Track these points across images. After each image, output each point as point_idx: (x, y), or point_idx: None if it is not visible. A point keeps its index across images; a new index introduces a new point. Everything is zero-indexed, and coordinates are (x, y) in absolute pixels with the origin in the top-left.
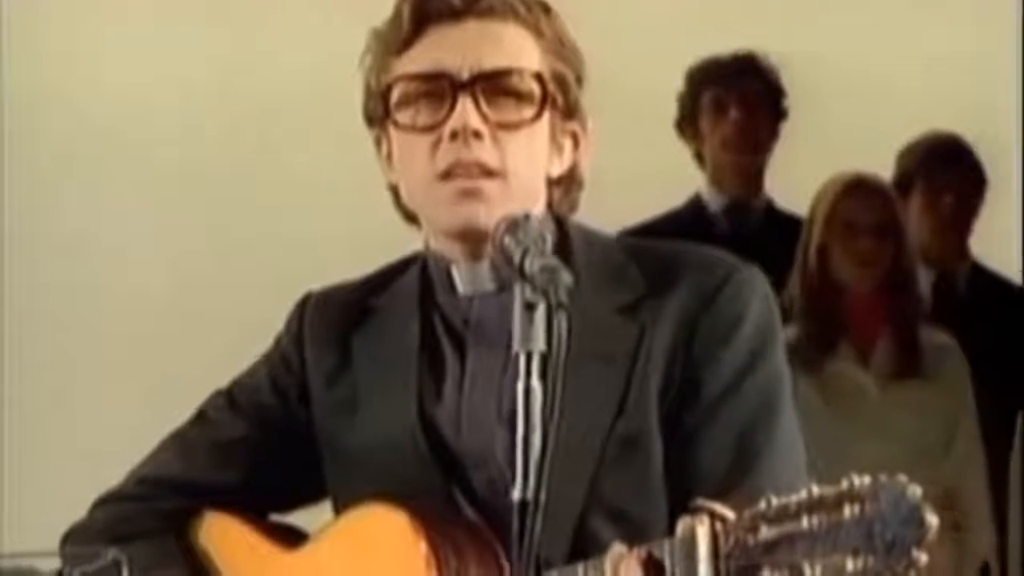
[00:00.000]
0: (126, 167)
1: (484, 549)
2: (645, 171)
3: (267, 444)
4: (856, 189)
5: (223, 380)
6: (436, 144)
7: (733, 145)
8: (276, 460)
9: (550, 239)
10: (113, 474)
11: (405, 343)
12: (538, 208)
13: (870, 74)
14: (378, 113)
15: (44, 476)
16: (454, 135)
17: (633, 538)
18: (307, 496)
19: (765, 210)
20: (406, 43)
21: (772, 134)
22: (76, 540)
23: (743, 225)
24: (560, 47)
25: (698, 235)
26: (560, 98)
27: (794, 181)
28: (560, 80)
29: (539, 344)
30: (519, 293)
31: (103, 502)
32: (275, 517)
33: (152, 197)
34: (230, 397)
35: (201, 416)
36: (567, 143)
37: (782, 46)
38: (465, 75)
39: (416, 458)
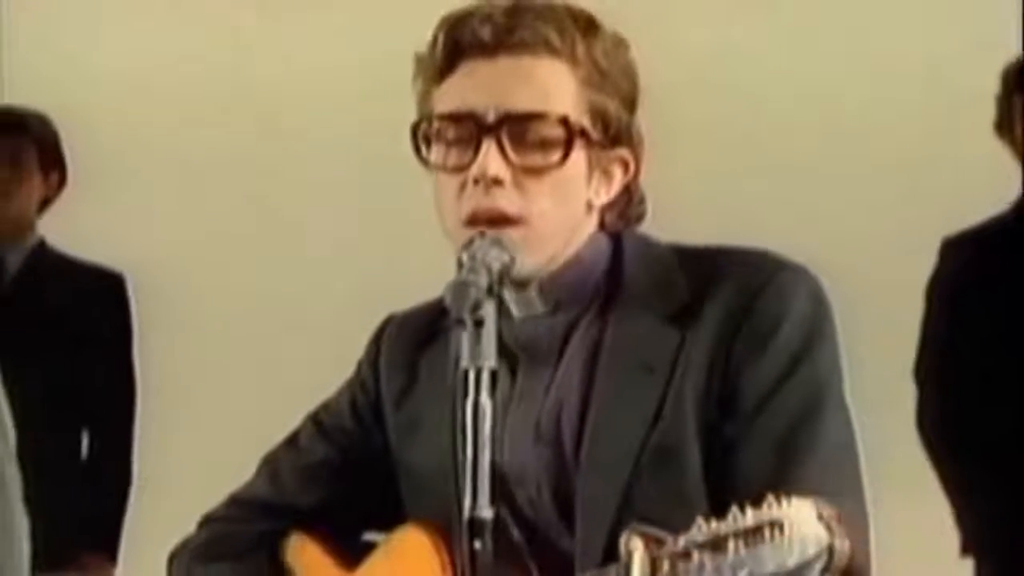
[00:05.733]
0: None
1: (513, 568)
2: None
3: (349, 467)
4: None
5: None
6: (463, 187)
7: None
8: (359, 483)
9: (499, 257)
10: None
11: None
12: (581, 235)
13: None
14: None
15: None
16: (477, 181)
17: None
18: (393, 517)
19: None
20: (441, 74)
21: None
22: (178, 559)
23: None
24: (599, 76)
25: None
26: (598, 132)
27: None
28: (598, 113)
29: (489, 360)
30: None
31: (204, 523)
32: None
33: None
34: (317, 421)
35: (292, 440)
36: (616, 170)
37: None
38: (491, 117)
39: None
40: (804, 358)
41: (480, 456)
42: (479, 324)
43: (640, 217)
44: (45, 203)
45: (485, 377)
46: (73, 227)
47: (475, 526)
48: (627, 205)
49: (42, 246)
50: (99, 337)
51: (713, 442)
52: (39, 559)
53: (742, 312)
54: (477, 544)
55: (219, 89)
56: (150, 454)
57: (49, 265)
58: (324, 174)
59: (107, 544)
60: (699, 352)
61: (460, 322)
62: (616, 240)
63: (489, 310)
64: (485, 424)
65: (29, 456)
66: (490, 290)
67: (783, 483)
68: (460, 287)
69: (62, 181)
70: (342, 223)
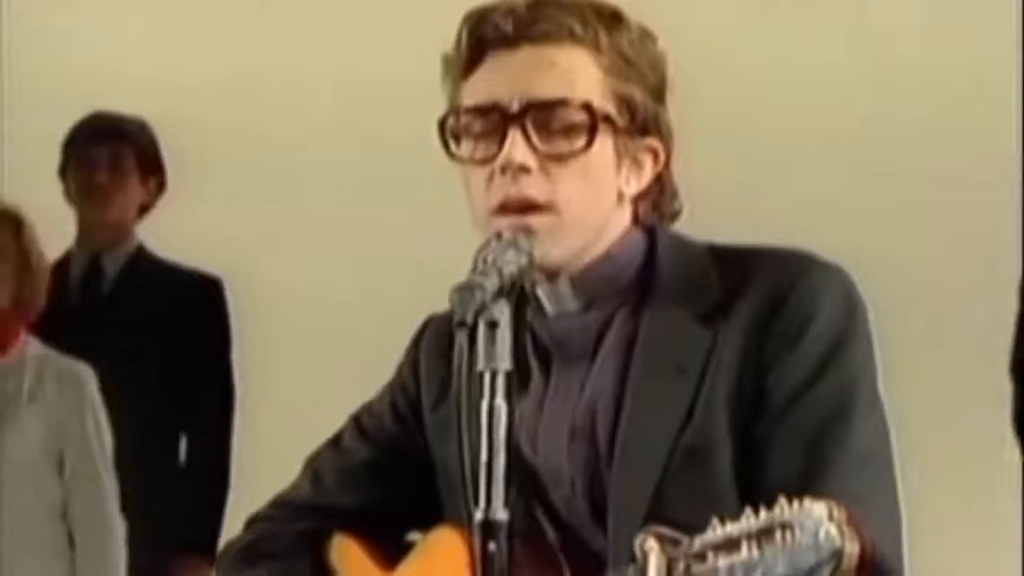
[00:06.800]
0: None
1: (545, 568)
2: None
3: (391, 468)
4: None
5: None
6: (491, 178)
7: None
8: (400, 483)
9: (515, 259)
10: None
11: None
12: (614, 229)
13: None
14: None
15: None
16: (504, 170)
17: None
18: (435, 517)
19: None
20: (468, 68)
21: None
22: (224, 559)
23: None
24: (624, 64)
25: None
26: (624, 119)
27: None
28: (623, 101)
29: (504, 363)
30: None
31: (249, 524)
32: None
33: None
34: (359, 422)
35: (335, 441)
36: (646, 159)
37: None
38: (515, 107)
39: None
40: (835, 358)
41: (495, 458)
42: (493, 326)
43: (675, 215)
44: (144, 209)
45: (500, 380)
46: (170, 231)
47: (490, 528)
48: (660, 196)
49: (140, 251)
50: (197, 341)
51: (744, 443)
52: (136, 563)
53: (772, 312)
54: (492, 546)
55: (316, 91)
56: (247, 458)
57: (147, 270)
58: (422, 176)
59: (204, 549)
60: (731, 353)
61: (462, 324)
62: (651, 237)
63: (503, 312)
64: (500, 427)
65: (127, 461)
66: (501, 292)
67: (811, 484)
68: (464, 290)
69: (161, 187)
70: (441, 224)
